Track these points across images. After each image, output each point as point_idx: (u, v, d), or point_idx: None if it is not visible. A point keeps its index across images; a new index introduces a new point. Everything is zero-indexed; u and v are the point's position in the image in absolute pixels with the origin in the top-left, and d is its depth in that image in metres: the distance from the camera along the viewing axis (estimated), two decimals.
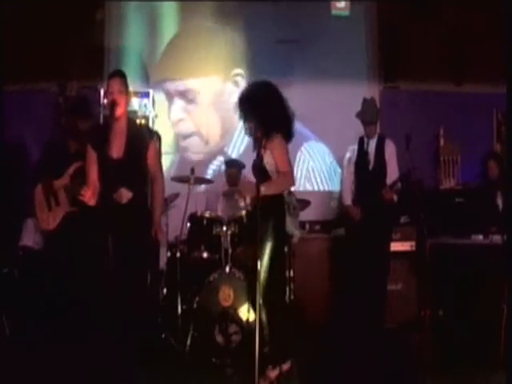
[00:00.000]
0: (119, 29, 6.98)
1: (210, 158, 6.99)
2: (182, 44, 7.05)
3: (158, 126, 6.47)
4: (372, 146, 5.63)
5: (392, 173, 5.56)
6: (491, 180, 6.07)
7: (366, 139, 5.66)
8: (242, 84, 6.74)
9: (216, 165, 6.93)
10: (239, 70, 6.99)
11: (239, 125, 6.54)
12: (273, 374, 4.08)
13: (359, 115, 5.66)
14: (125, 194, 4.21)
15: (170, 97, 6.97)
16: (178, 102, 6.98)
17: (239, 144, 6.90)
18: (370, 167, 5.62)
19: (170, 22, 7.08)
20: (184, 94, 6.98)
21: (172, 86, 6.96)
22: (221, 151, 6.98)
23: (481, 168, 6.31)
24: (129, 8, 7.02)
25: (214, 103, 7.01)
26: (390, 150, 5.65)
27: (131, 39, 7.01)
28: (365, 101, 5.73)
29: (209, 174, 6.81)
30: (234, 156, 6.79)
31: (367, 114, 5.63)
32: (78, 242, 4.77)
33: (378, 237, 5.42)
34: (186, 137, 7.01)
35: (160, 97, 6.81)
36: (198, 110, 7.01)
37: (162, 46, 7.05)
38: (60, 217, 5.21)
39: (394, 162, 5.62)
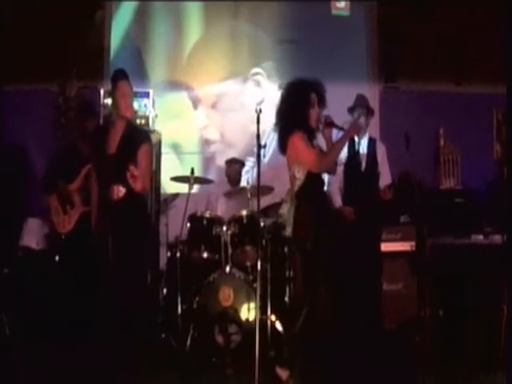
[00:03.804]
0: (120, 29, 6.99)
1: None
2: (201, 49, 7.02)
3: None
4: (362, 146, 5.64)
5: (385, 175, 5.57)
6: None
7: (356, 139, 5.66)
8: (264, 83, 6.75)
9: (249, 166, 6.70)
10: (258, 69, 6.95)
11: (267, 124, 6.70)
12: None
13: (350, 109, 5.66)
14: (117, 191, 4.23)
15: (194, 103, 6.96)
16: (201, 109, 6.96)
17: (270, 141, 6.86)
18: (362, 168, 5.62)
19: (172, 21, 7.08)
20: (205, 101, 6.95)
21: (192, 92, 6.95)
22: (251, 152, 6.67)
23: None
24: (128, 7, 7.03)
25: (237, 106, 6.94)
26: (382, 152, 5.66)
27: (132, 39, 7.01)
28: (356, 96, 5.75)
29: (243, 177, 6.53)
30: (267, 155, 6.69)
31: (357, 102, 5.64)
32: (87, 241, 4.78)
33: (369, 237, 5.41)
34: (211, 143, 6.95)
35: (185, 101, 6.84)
36: (220, 116, 6.94)
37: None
38: (75, 218, 5.24)
39: (386, 164, 5.64)
